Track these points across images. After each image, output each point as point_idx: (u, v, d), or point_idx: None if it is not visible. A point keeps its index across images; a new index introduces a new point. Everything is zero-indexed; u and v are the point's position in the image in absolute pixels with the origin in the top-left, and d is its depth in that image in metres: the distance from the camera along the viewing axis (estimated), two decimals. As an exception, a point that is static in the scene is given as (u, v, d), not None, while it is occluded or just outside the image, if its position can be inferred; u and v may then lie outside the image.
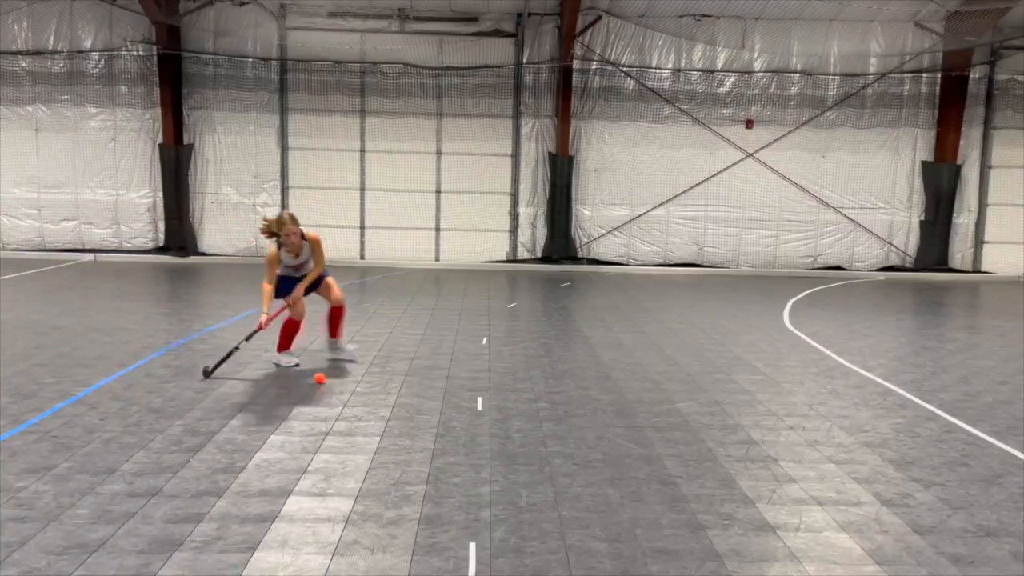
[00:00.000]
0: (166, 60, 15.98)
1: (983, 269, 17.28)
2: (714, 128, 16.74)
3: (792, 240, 17.13)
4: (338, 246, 16.97)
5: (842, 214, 17.03)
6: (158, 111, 16.31)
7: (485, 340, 8.88)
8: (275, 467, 4.83)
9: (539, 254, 17.08)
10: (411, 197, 16.94)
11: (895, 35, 16.51)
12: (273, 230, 7.11)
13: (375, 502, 4.34)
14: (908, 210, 17.14)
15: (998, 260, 17.24)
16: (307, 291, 7.45)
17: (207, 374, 6.88)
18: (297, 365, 7.36)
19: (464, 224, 16.99)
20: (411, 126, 16.73)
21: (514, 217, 17.07)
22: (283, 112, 16.64)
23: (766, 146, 16.78)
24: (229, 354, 7.08)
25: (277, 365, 7.39)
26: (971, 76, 16.54)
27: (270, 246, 7.24)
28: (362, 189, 16.94)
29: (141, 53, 16.28)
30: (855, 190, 17.00)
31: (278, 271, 7.27)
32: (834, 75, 16.68)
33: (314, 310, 8.04)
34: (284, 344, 7.48)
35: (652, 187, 16.89)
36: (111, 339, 8.39)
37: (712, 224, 17.06)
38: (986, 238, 17.26)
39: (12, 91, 16.28)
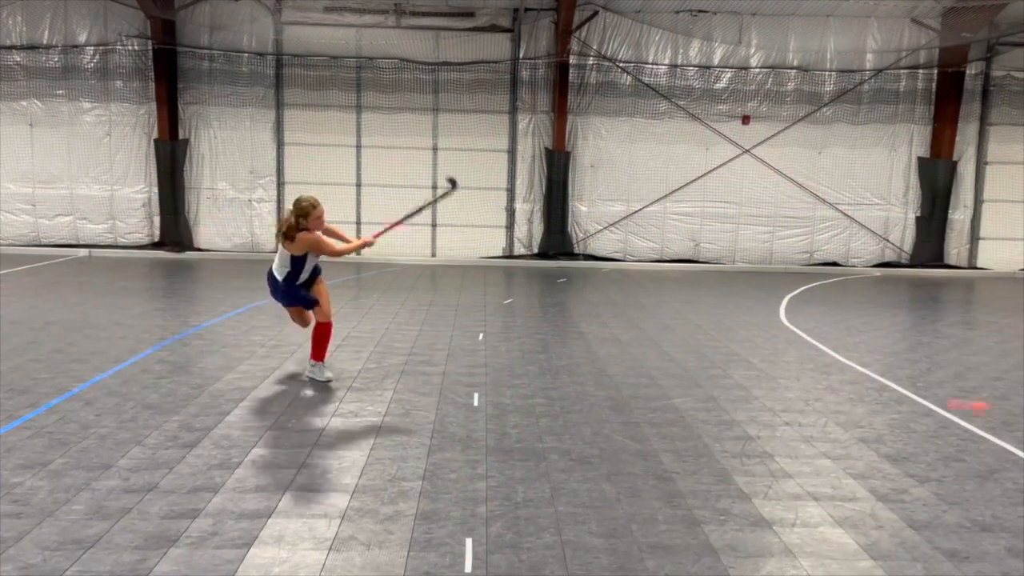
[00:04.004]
0: (161, 55, 15.92)
1: (979, 265, 17.32)
2: (710, 124, 16.74)
3: (788, 236, 17.14)
4: (334, 242, 16.95)
5: (838, 210, 17.05)
6: (153, 106, 16.26)
7: (481, 336, 8.88)
8: (271, 463, 4.82)
9: (535, 250, 17.08)
10: (407, 192, 16.89)
11: (891, 31, 16.51)
12: (301, 214, 6.46)
13: (371, 498, 4.34)
14: (904, 206, 17.16)
15: (994, 256, 17.28)
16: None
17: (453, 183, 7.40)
18: (330, 380, 6.77)
19: (460, 220, 16.96)
20: (407, 122, 16.69)
21: (510, 213, 17.06)
22: (279, 107, 16.60)
23: (762, 142, 16.78)
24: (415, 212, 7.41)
25: (312, 379, 6.78)
26: (967, 72, 16.54)
27: (308, 234, 6.50)
28: (358, 185, 16.91)
29: (136, 48, 16.22)
30: (851, 186, 17.01)
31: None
32: (830, 71, 16.68)
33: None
34: (319, 352, 6.83)
35: (648, 183, 16.88)
36: (106, 335, 8.37)
37: (708, 220, 17.06)
38: (982, 234, 17.30)
39: (7, 86, 16.21)
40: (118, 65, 16.28)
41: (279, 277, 6.72)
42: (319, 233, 6.56)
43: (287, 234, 6.49)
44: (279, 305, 7.16)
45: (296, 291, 6.76)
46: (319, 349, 6.79)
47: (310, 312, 6.94)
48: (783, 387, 6.98)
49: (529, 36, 16.41)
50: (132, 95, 16.35)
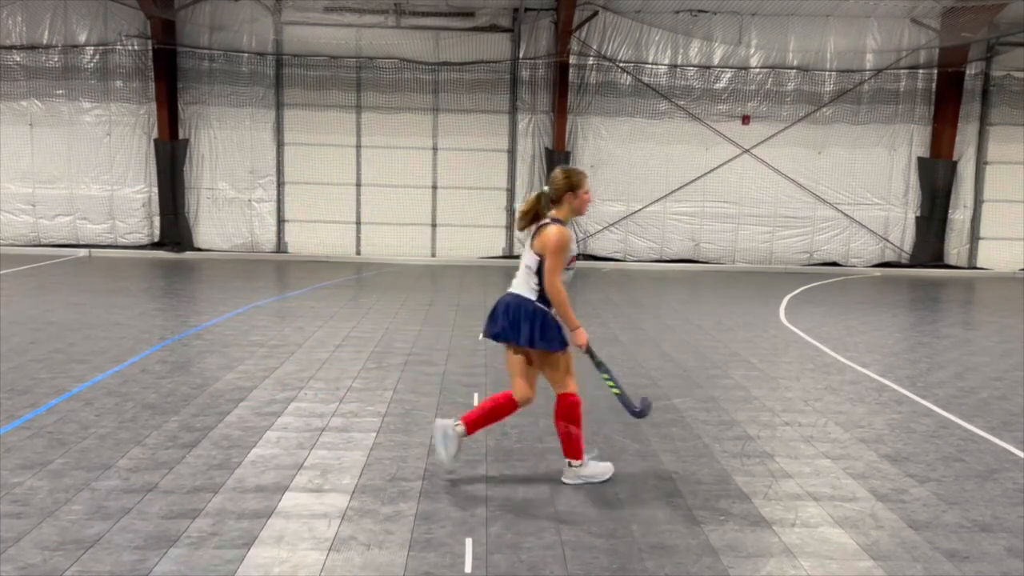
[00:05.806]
0: (161, 55, 15.91)
1: (979, 265, 17.31)
2: (710, 124, 16.73)
3: (788, 236, 17.14)
4: (333, 242, 16.95)
5: (838, 210, 17.05)
6: (153, 106, 16.25)
7: (481, 336, 8.86)
8: (271, 463, 4.82)
9: (535, 250, 17.05)
10: (407, 192, 16.91)
11: (891, 31, 16.50)
12: (563, 187, 4.31)
13: (371, 498, 4.34)
14: (904, 206, 17.16)
15: (994, 256, 17.28)
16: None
17: (641, 414, 4.62)
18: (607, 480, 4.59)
19: (460, 220, 16.97)
20: (407, 121, 16.69)
21: (510, 213, 17.06)
22: (279, 107, 16.59)
23: (762, 142, 16.78)
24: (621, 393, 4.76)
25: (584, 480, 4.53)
26: (967, 72, 16.54)
27: (559, 227, 4.37)
28: (358, 184, 16.91)
29: (136, 48, 16.21)
30: (851, 186, 17.01)
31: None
32: (830, 71, 16.67)
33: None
34: (574, 448, 4.44)
35: (648, 183, 16.88)
36: (106, 334, 8.36)
37: (708, 220, 17.06)
38: (982, 234, 17.30)
39: (7, 86, 16.20)
40: (118, 65, 16.27)
41: (528, 295, 4.49)
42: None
43: (535, 217, 4.25)
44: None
45: (544, 319, 4.44)
46: (567, 442, 4.45)
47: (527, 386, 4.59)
48: (783, 387, 6.98)
49: (529, 36, 16.41)
50: (132, 95, 16.34)
